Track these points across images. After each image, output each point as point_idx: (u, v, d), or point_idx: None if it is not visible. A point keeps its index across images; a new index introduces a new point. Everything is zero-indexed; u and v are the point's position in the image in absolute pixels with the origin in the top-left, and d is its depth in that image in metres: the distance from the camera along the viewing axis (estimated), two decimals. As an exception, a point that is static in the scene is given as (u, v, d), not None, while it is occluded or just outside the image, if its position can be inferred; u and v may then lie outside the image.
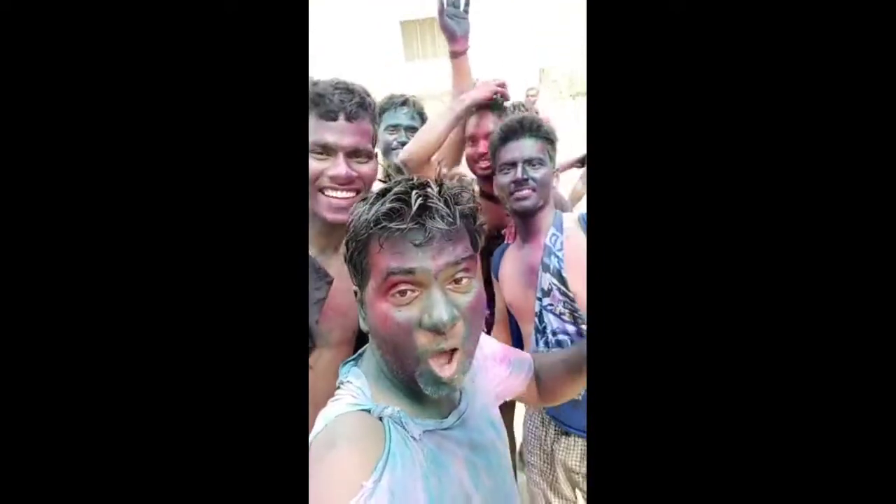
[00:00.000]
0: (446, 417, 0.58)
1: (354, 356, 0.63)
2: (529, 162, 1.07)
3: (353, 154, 0.81)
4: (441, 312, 0.49)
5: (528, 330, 1.17)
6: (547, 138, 1.10)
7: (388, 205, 0.50)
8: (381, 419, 0.52)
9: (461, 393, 0.63)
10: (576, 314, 1.06)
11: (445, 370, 0.51)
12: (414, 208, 0.49)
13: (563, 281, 1.06)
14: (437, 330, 0.49)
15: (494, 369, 0.73)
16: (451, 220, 0.50)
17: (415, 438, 0.53)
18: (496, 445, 0.64)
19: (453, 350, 0.51)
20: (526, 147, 1.07)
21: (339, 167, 0.79)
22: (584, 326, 1.06)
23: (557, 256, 1.06)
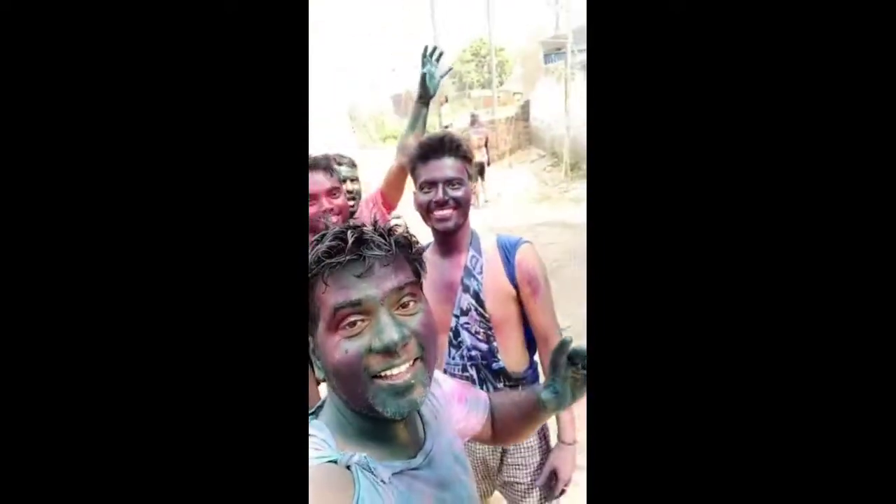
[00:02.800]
0: (414, 458, 0.58)
1: (313, 410, 0.61)
2: (450, 182, 1.07)
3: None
4: (391, 333, 0.50)
5: (441, 341, 1.18)
6: (465, 157, 1.12)
7: (326, 244, 0.52)
8: (348, 468, 0.51)
9: (426, 431, 0.63)
10: (489, 333, 1.13)
11: (400, 377, 0.51)
12: (350, 242, 0.51)
13: (480, 303, 1.12)
14: (389, 350, 0.50)
15: (453, 407, 0.73)
16: (387, 247, 0.53)
17: (384, 482, 0.52)
18: (462, 479, 0.64)
19: (410, 362, 0.52)
20: (447, 167, 1.08)
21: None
22: (495, 344, 1.13)
23: (477, 279, 1.12)
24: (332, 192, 1.24)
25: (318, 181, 1.23)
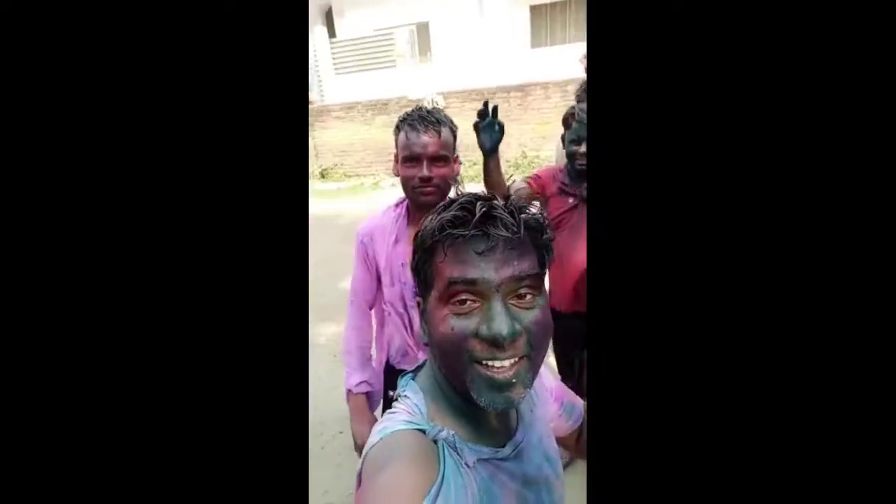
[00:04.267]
0: (502, 447, 0.55)
1: (413, 368, 0.61)
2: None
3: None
4: (501, 325, 0.47)
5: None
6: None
7: (452, 212, 0.50)
8: (435, 442, 0.51)
9: (518, 422, 0.59)
10: None
11: (502, 372, 0.48)
12: (477, 216, 0.48)
13: None
14: (496, 342, 0.47)
15: (549, 404, 0.69)
16: (514, 229, 0.49)
17: (468, 466, 0.51)
18: (550, 482, 0.60)
19: (515, 359, 0.49)
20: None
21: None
22: None
23: None
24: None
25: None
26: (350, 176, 8.37)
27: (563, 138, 1.58)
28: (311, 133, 8.37)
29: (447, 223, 0.49)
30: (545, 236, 0.53)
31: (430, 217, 0.53)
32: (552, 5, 8.12)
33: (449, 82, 7.74)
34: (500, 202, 0.51)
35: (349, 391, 1.24)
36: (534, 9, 8.17)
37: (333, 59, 9.13)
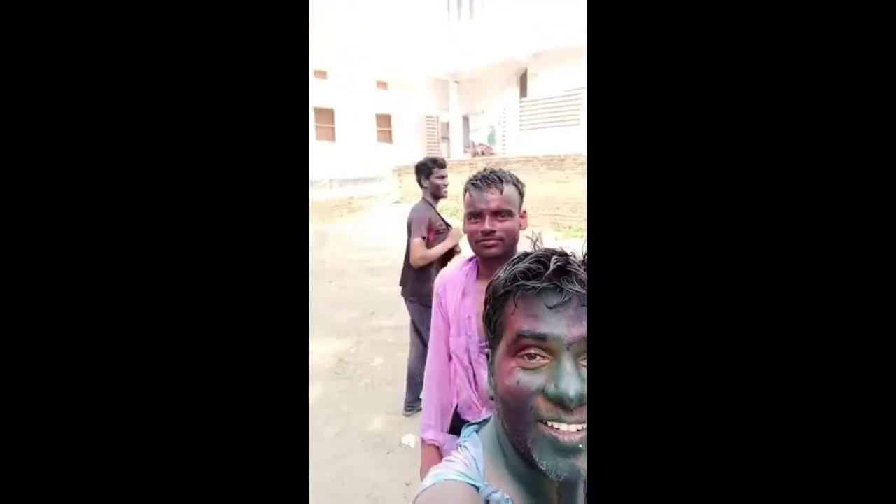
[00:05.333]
0: None
1: (479, 420, 0.59)
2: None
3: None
4: (568, 385, 0.44)
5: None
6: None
7: (526, 264, 0.49)
8: (487, 502, 0.48)
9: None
10: None
11: (569, 434, 0.44)
12: (551, 268, 0.47)
13: None
14: (562, 403, 0.44)
15: None
16: None
17: None
18: None
19: (583, 425, 0.45)
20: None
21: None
22: None
23: None
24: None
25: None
26: (515, 226, 8.48)
27: None
28: (486, 182, 8.84)
29: (520, 274, 0.49)
30: None
31: (504, 267, 0.52)
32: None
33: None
34: (576, 258, 0.50)
35: (422, 440, 1.27)
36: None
37: (521, 115, 9.63)
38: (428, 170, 2.51)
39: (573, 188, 7.70)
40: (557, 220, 7.73)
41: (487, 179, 1.13)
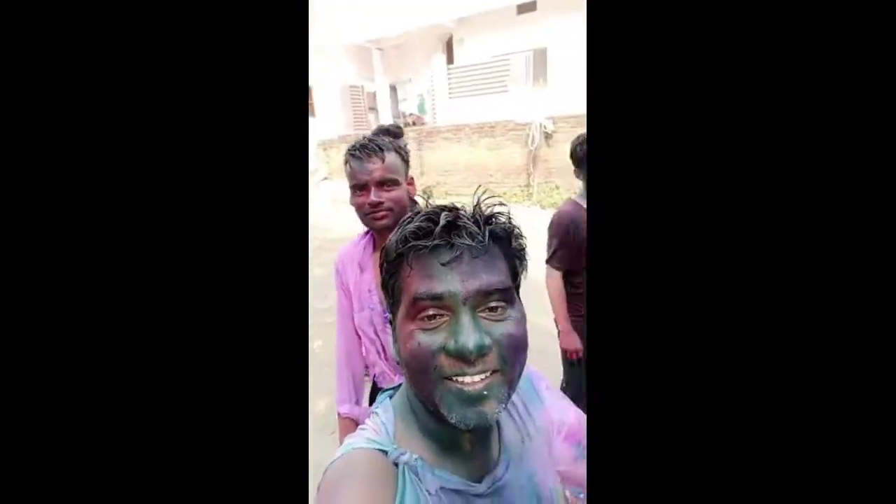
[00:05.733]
0: (478, 482, 0.52)
1: (394, 386, 0.60)
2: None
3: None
4: (467, 338, 0.44)
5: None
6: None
7: (415, 223, 0.48)
8: (396, 464, 0.49)
9: (501, 453, 0.55)
10: None
11: (472, 385, 0.45)
12: (440, 225, 0.47)
13: None
14: (463, 357, 0.44)
15: (555, 442, 0.61)
16: (480, 238, 0.47)
17: (429, 493, 0.48)
18: None
19: (485, 374, 0.46)
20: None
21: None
22: None
23: None
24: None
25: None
26: (451, 195, 8.48)
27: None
28: (419, 153, 8.68)
29: (410, 234, 0.48)
30: (515, 244, 0.51)
31: (396, 229, 0.51)
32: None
33: (561, 107, 7.45)
34: (466, 212, 0.50)
35: (339, 414, 1.27)
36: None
37: (449, 83, 9.45)
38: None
39: (505, 154, 7.75)
40: (491, 187, 7.77)
41: (367, 149, 1.07)
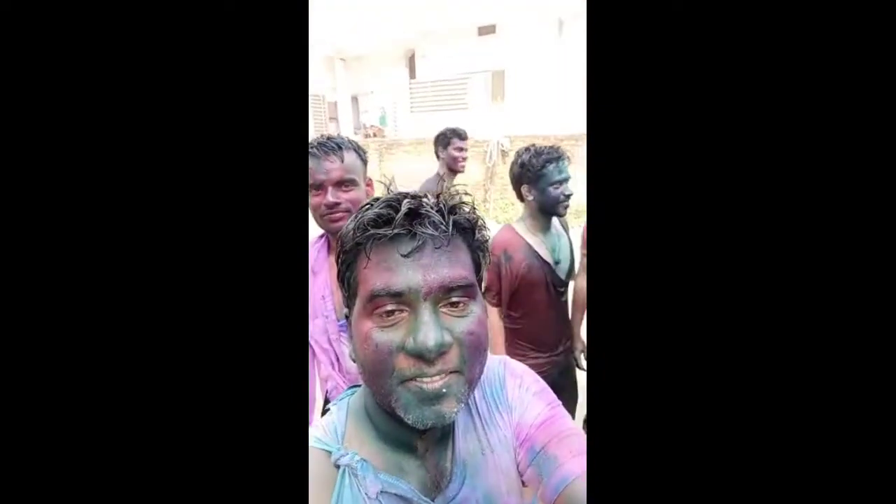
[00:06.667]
0: (430, 498, 0.48)
1: (359, 384, 0.55)
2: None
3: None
4: (427, 336, 0.41)
5: None
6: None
7: (375, 210, 0.45)
8: (338, 466, 0.47)
9: (454, 466, 0.51)
10: None
11: (431, 384, 0.43)
12: (401, 212, 0.43)
13: None
14: (423, 356, 0.42)
15: (519, 452, 0.54)
16: (444, 228, 0.44)
17: (368, 496, 0.46)
18: None
19: (444, 374, 0.43)
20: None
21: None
22: None
23: None
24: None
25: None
26: (409, 208, 8.51)
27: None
28: (379, 164, 8.74)
29: (369, 222, 0.44)
30: (479, 236, 0.48)
31: (353, 216, 0.48)
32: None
33: (518, 127, 7.76)
34: (429, 200, 0.46)
35: None
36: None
37: (411, 98, 9.60)
38: (446, 140, 2.36)
39: (466, 170, 7.93)
40: (450, 202, 7.90)
41: (325, 147, 1.02)
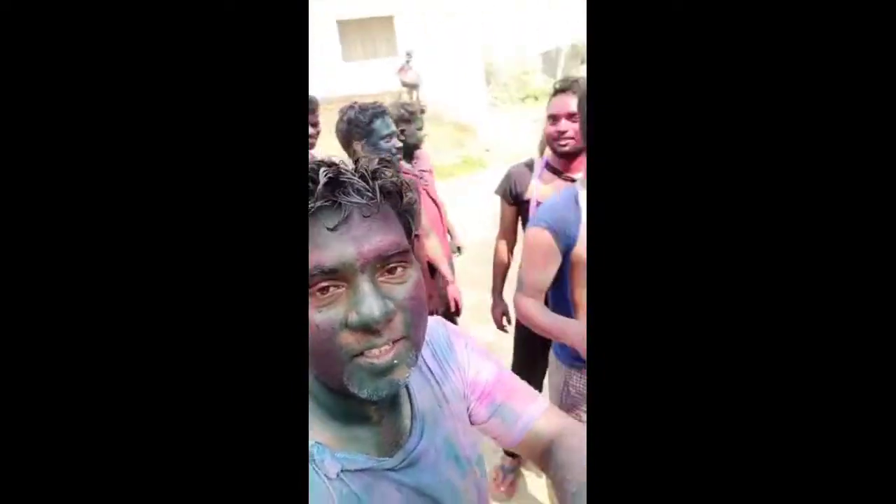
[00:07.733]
0: (390, 456, 0.48)
1: None
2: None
3: None
4: (371, 307, 0.40)
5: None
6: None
7: None
8: None
9: (414, 423, 0.51)
10: None
11: (382, 356, 0.42)
12: (321, 183, 0.40)
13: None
14: (368, 327, 0.40)
15: (474, 404, 0.59)
16: (370, 194, 0.42)
17: (329, 477, 0.44)
18: (454, 485, 0.52)
19: (393, 340, 0.43)
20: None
21: None
22: None
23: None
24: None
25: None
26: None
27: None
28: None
29: None
30: (406, 199, 0.46)
31: None
32: (359, 21, 8.70)
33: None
34: (348, 166, 0.44)
35: None
36: (341, 24, 8.70)
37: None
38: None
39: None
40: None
41: None
